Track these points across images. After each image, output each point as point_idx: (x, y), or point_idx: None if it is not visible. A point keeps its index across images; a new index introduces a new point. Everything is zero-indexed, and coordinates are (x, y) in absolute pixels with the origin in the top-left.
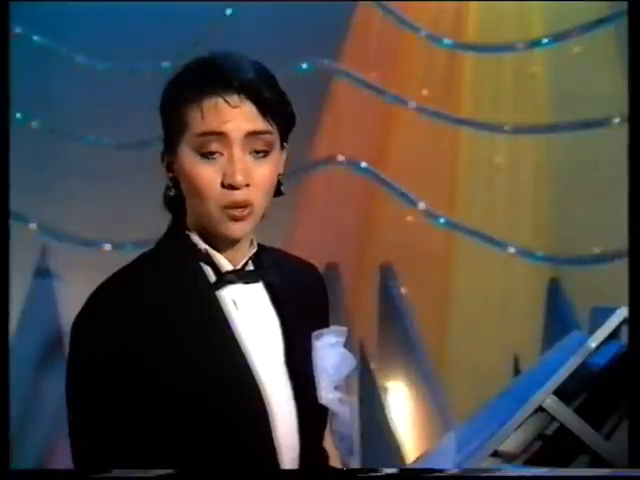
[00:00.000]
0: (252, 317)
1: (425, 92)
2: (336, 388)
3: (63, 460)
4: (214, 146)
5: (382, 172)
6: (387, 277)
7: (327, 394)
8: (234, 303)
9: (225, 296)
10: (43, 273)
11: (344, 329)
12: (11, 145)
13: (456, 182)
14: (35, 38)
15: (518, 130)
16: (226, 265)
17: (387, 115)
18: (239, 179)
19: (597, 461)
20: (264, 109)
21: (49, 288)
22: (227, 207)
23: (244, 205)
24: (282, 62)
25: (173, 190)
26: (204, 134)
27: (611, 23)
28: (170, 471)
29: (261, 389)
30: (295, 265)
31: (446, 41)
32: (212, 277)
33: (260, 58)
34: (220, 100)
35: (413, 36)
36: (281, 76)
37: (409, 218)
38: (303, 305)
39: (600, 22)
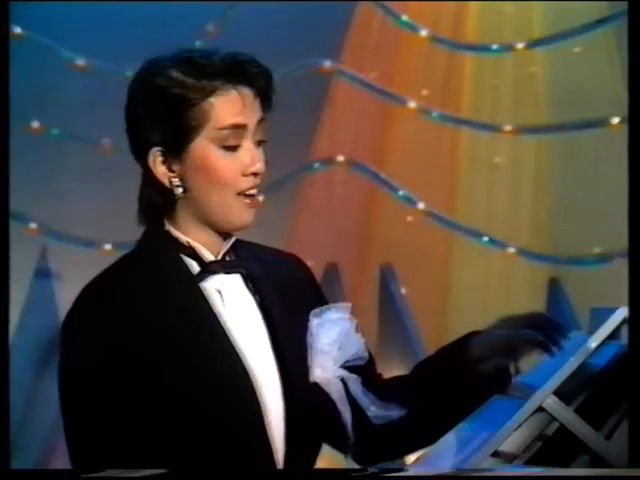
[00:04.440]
0: (238, 306)
1: (425, 92)
2: (341, 367)
3: (63, 460)
4: (235, 137)
5: (382, 172)
6: (387, 277)
7: (324, 373)
8: (219, 293)
9: (209, 287)
10: (43, 273)
11: (345, 304)
12: (11, 145)
13: (456, 182)
14: (35, 38)
15: (518, 130)
16: (209, 256)
17: (387, 115)
18: (259, 166)
19: (597, 461)
20: (267, 100)
21: (49, 288)
22: (243, 194)
23: (257, 187)
24: (282, 62)
25: (180, 189)
26: (227, 127)
27: (611, 23)
28: (163, 471)
29: (252, 380)
30: (274, 254)
31: (446, 41)
32: (195, 269)
33: (260, 58)
34: (246, 91)
35: (413, 36)
36: (281, 76)
37: (409, 218)
38: (287, 291)
39: (600, 22)
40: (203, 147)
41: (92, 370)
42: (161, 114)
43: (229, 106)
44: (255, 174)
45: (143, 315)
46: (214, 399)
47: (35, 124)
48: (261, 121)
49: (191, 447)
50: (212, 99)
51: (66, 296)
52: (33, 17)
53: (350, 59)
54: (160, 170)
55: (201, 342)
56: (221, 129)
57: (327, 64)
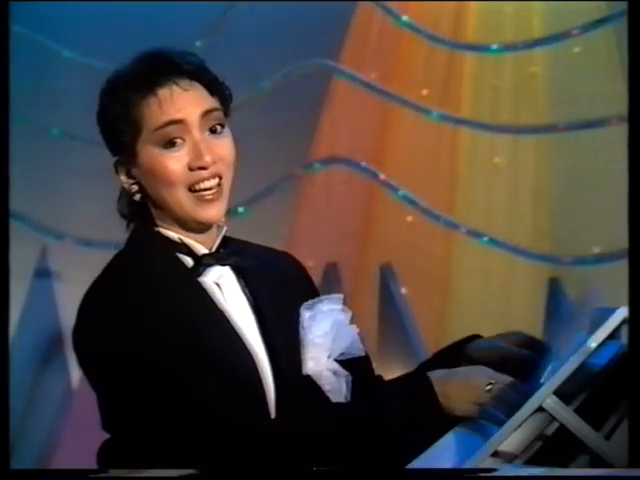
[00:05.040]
0: (236, 299)
1: (425, 92)
2: (337, 359)
3: (63, 460)
4: (174, 134)
5: (382, 172)
6: (387, 277)
7: (316, 366)
8: (218, 286)
9: (208, 281)
10: (43, 273)
11: (337, 296)
12: (11, 145)
13: (456, 182)
14: (35, 38)
15: (518, 130)
16: (201, 249)
17: (387, 115)
18: (207, 159)
19: (597, 461)
20: (211, 88)
21: (49, 288)
22: (197, 188)
23: (214, 177)
24: (282, 62)
25: (139, 195)
26: (163, 126)
27: (611, 23)
28: (166, 471)
29: (260, 371)
30: (267, 252)
31: (446, 41)
32: (190, 265)
33: (260, 58)
34: (174, 87)
35: (413, 36)
36: (281, 76)
37: (409, 218)
38: (280, 286)
39: (600, 22)
40: (147, 149)
41: (124, 373)
42: (110, 121)
43: (160, 105)
44: (203, 168)
45: (152, 315)
46: (229, 393)
47: (35, 124)
48: (210, 112)
49: (204, 429)
50: (145, 101)
51: (66, 296)
52: (33, 17)
53: (350, 59)
54: (122, 178)
55: (213, 339)
56: (157, 129)
57: (327, 64)
